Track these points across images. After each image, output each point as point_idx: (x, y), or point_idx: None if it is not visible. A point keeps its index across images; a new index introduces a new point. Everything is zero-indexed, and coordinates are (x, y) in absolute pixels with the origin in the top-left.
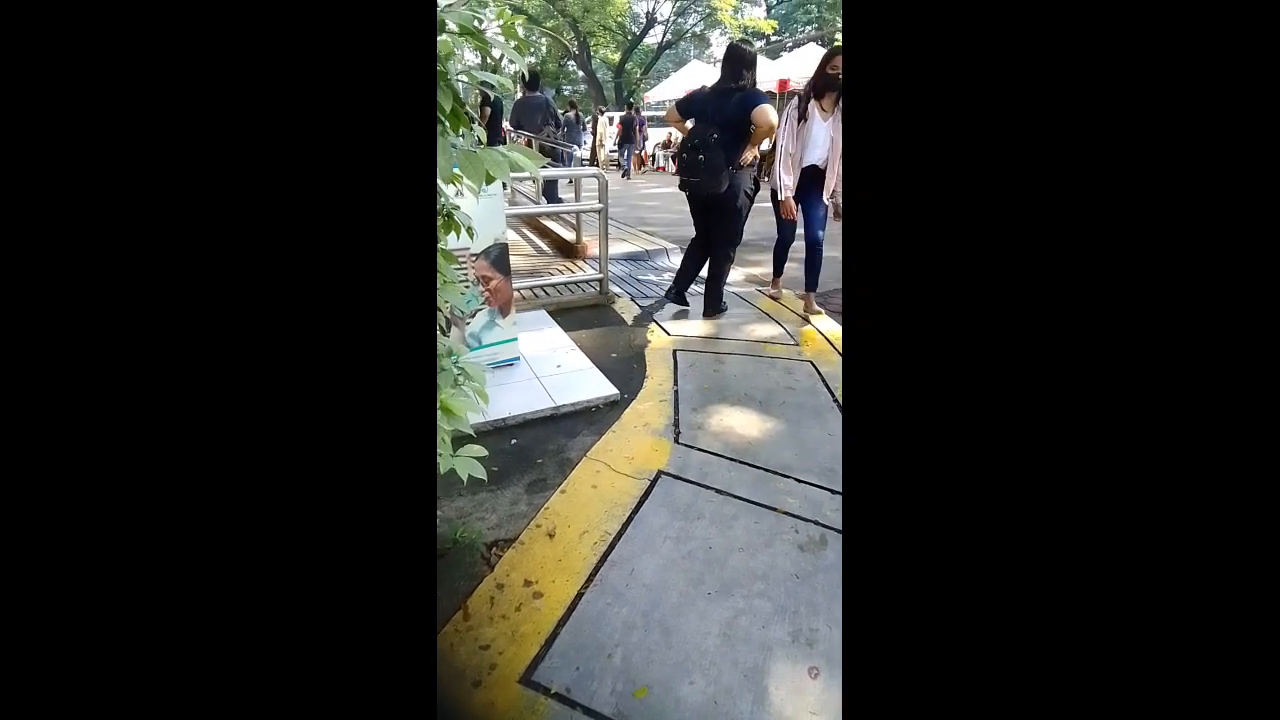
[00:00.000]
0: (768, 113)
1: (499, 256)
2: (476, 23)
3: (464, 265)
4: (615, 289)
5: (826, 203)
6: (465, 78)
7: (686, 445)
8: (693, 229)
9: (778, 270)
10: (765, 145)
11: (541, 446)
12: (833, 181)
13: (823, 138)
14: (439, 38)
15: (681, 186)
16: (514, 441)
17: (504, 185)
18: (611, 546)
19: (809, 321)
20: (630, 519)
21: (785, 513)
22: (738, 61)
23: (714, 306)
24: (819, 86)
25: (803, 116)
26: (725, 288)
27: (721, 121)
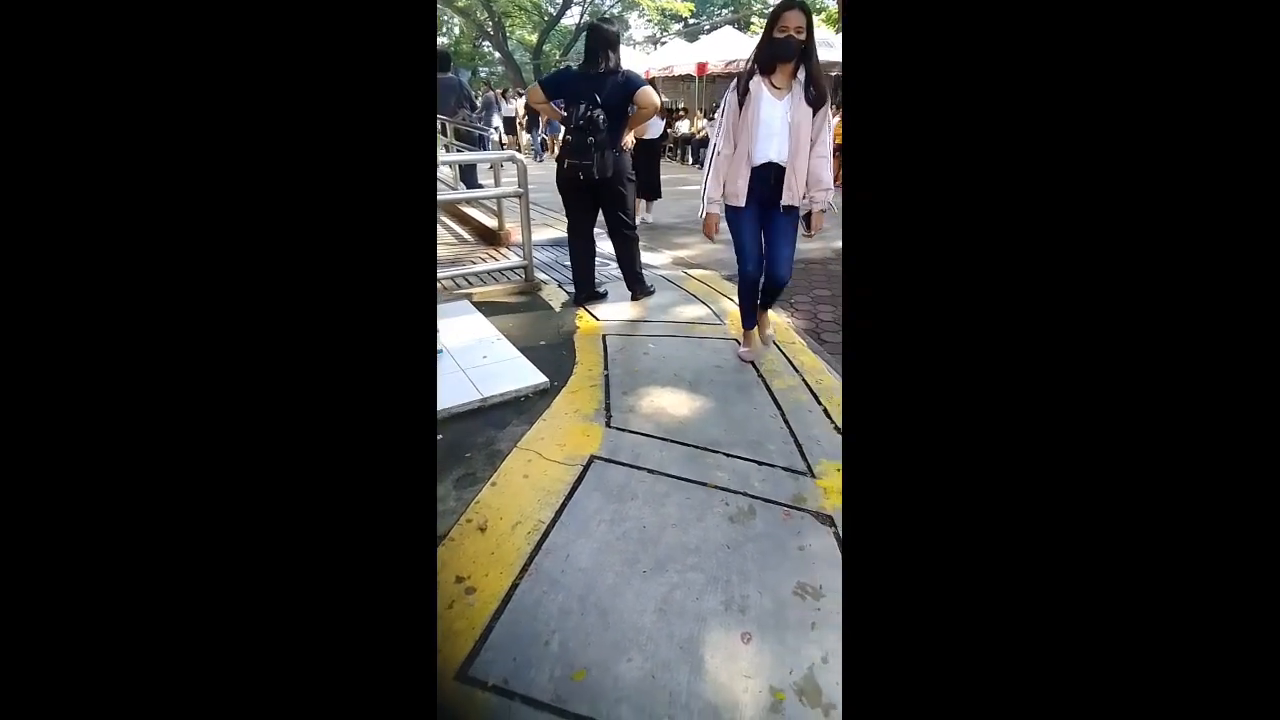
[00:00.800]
0: (650, 95)
1: None
2: None
3: None
4: (542, 275)
5: (797, 210)
6: None
7: (618, 429)
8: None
9: (747, 318)
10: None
11: (470, 440)
12: (799, 181)
13: (778, 124)
14: None
15: (568, 170)
16: (440, 437)
17: None
18: (545, 535)
19: (733, 301)
20: (564, 506)
21: (716, 487)
22: (603, 42)
23: (640, 288)
24: (766, 56)
25: (742, 99)
26: (647, 269)
27: (603, 104)
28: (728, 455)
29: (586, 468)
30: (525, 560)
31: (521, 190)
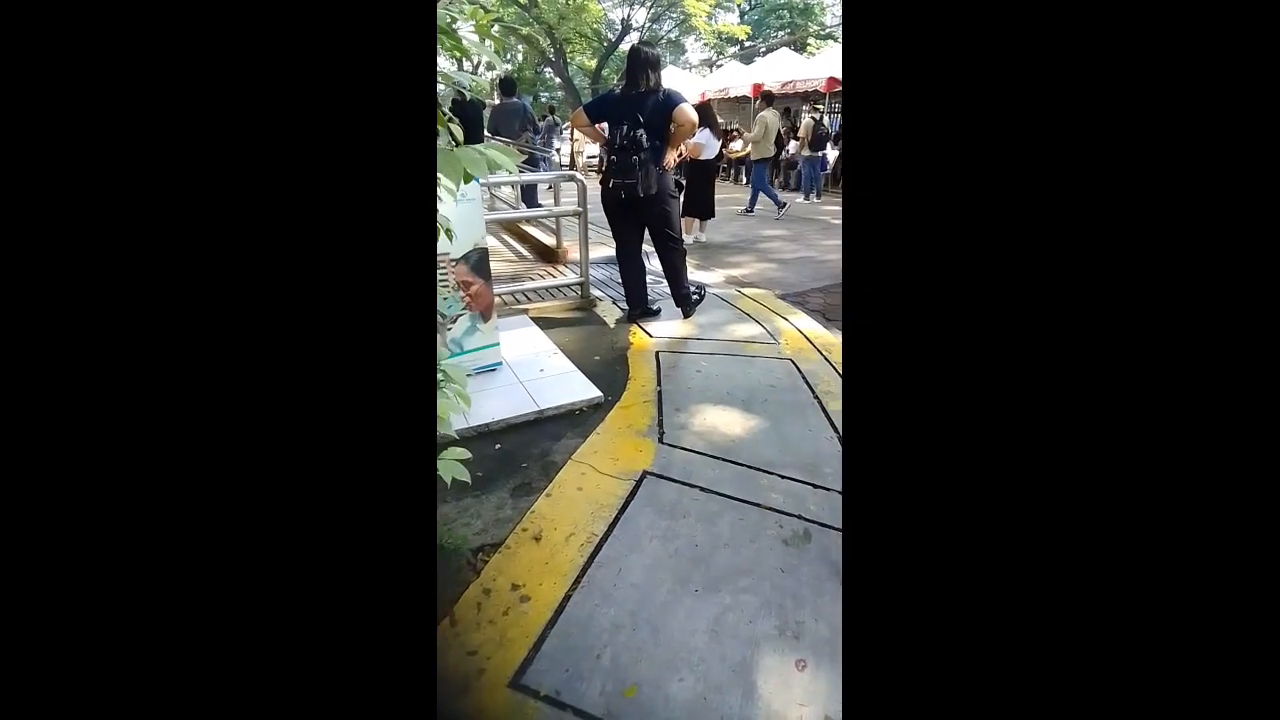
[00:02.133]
0: (688, 112)
1: (479, 261)
2: (450, 22)
3: (444, 270)
4: (597, 292)
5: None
6: (441, 80)
7: (670, 445)
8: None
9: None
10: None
11: (526, 450)
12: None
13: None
14: None
15: (612, 189)
16: (498, 446)
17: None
18: (598, 548)
19: (789, 321)
20: (616, 519)
21: (769, 508)
22: (643, 64)
23: (688, 302)
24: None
25: None
26: (702, 286)
27: (645, 124)
28: (782, 477)
29: (639, 483)
30: (578, 572)
31: (580, 209)
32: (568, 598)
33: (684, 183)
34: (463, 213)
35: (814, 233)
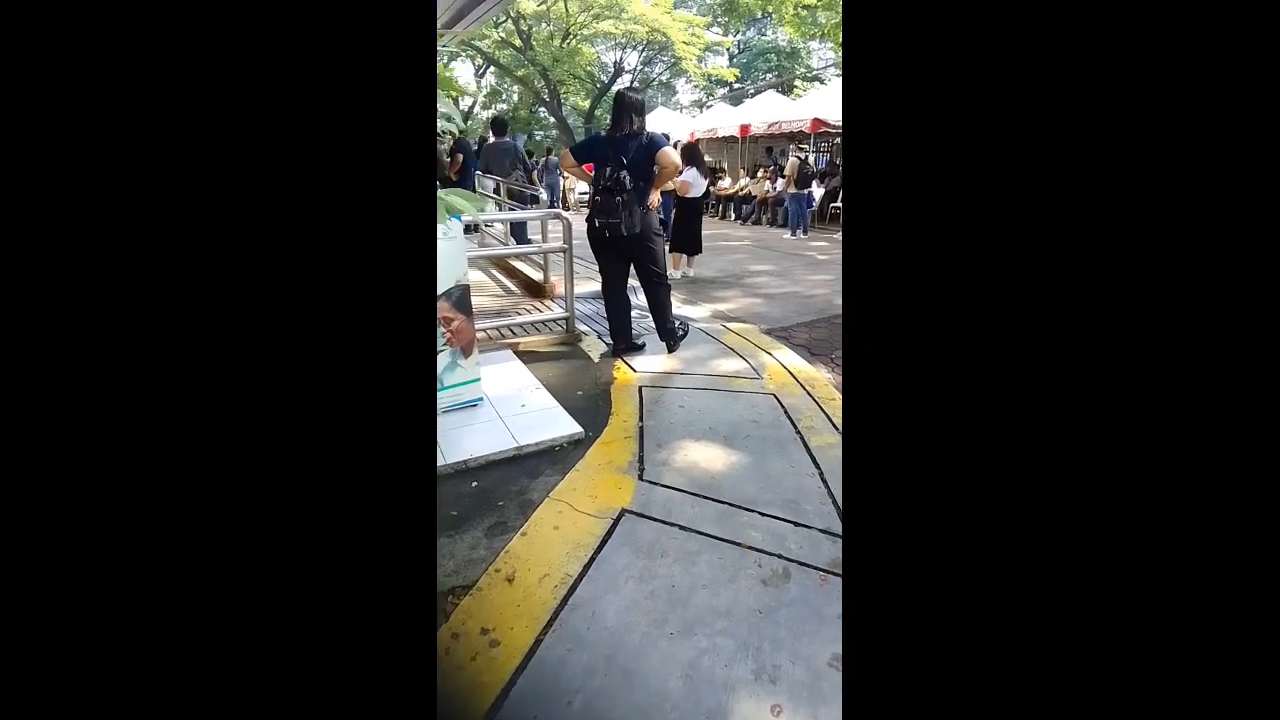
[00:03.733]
0: (670, 155)
1: (460, 298)
2: (446, 63)
3: None
4: (582, 327)
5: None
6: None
7: (651, 482)
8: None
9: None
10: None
11: (503, 488)
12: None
13: None
14: None
15: (598, 229)
16: (475, 484)
17: (474, 228)
18: (572, 589)
19: (773, 355)
20: (592, 559)
21: (749, 547)
22: (628, 108)
23: (673, 337)
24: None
25: None
26: (688, 322)
27: (628, 166)
28: (762, 514)
29: (617, 521)
30: (551, 615)
31: (565, 246)
32: (539, 642)
33: (666, 221)
34: (445, 250)
35: (800, 268)
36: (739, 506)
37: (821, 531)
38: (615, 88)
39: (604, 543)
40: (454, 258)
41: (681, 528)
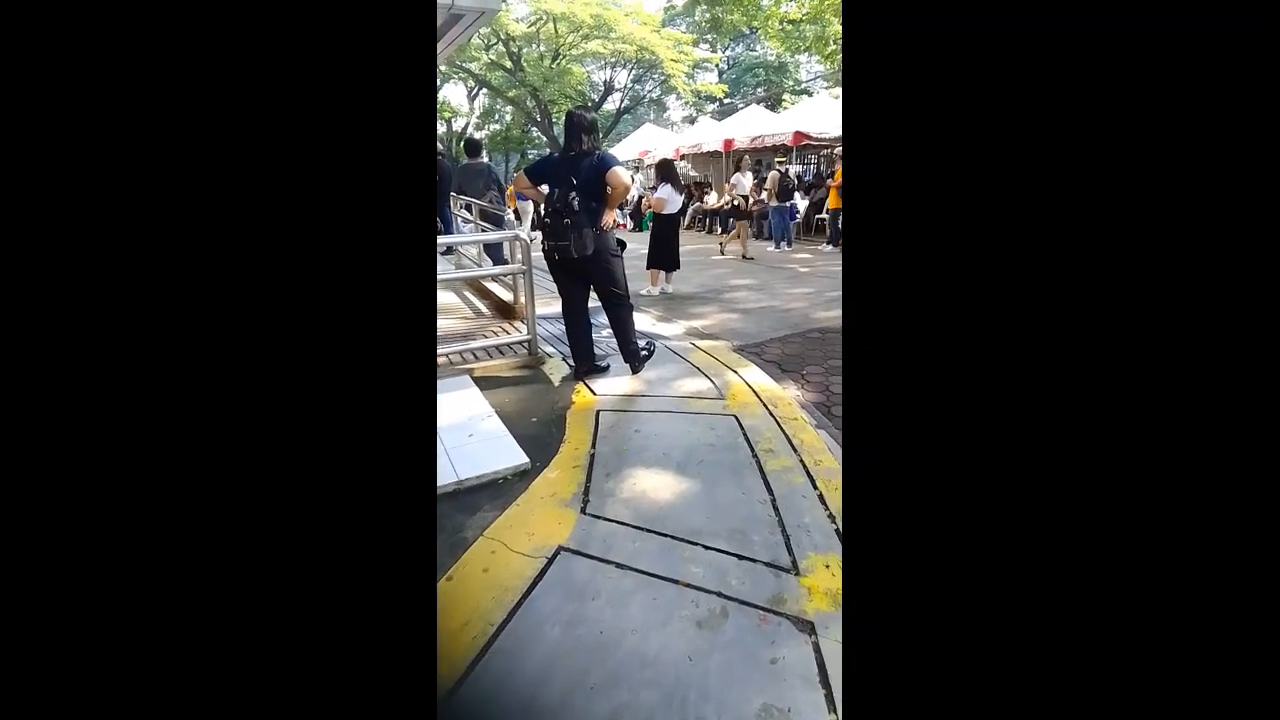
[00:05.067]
0: (620, 175)
1: None
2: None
3: None
4: (548, 349)
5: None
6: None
7: (593, 515)
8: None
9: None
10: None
11: (437, 525)
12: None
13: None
14: None
15: (549, 254)
16: None
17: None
18: (493, 639)
19: (738, 374)
20: (519, 605)
21: (686, 584)
22: (578, 128)
23: (636, 358)
24: None
25: None
26: (655, 341)
27: (580, 186)
28: (706, 548)
29: (551, 561)
30: (467, 667)
31: (525, 267)
32: (451, 694)
33: (625, 242)
34: None
35: (781, 281)
36: (682, 539)
37: (767, 565)
38: (607, 106)
39: (534, 585)
40: None
41: (618, 565)
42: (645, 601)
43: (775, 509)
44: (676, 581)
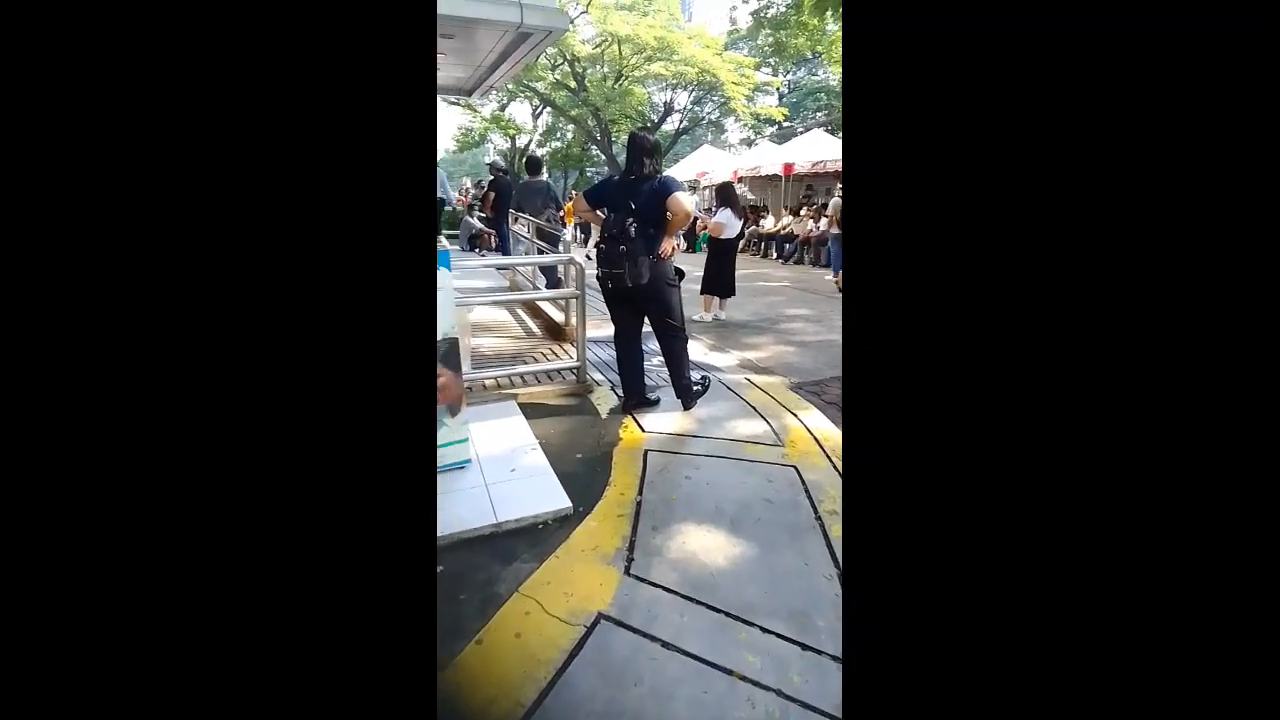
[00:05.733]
0: (681, 200)
1: (448, 353)
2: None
3: None
4: (597, 376)
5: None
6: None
7: (637, 577)
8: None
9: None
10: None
11: (470, 575)
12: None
13: None
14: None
15: (602, 280)
16: (440, 568)
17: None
18: None
19: (798, 417)
20: (551, 684)
21: (741, 677)
22: (640, 149)
23: (689, 394)
24: None
25: None
26: (711, 375)
27: (638, 210)
28: (764, 630)
29: (590, 629)
30: None
31: (578, 292)
32: None
33: (683, 271)
34: None
35: (838, 313)
36: (736, 617)
37: (834, 659)
38: (666, 126)
39: (570, 660)
40: (441, 310)
41: (664, 644)
42: (693, 695)
43: (843, 585)
44: (730, 673)
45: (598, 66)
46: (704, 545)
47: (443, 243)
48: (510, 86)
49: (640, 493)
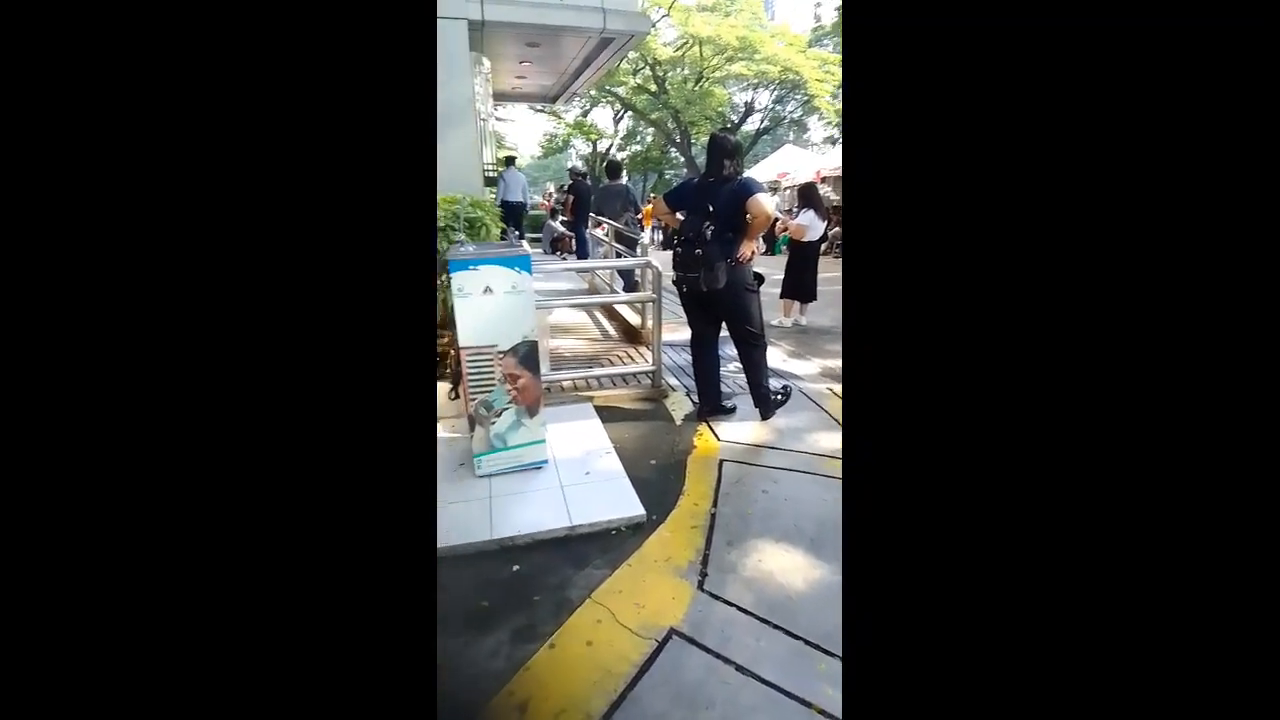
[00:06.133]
0: (762, 203)
1: (528, 354)
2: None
3: (491, 362)
4: (672, 381)
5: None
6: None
7: (711, 594)
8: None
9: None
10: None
11: (544, 577)
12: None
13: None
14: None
15: (677, 284)
16: (515, 568)
17: (584, 276)
18: None
19: None
20: (621, 699)
21: (821, 711)
22: (720, 150)
23: (767, 403)
24: None
25: None
26: (792, 384)
27: (716, 214)
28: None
29: (662, 645)
30: None
31: (654, 296)
32: None
33: (762, 276)
34: (513, 304)
35: None
36: (814, 645)
37: None
38: (746, 126)
39: (640, 675)
40: (522, 312)
41: (738, 668)
42: None
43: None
44: (809, 705)
45: (678, 69)
46: (781, 565)
47: (525, 247)
48: (592, 93)
49: (715, 504)
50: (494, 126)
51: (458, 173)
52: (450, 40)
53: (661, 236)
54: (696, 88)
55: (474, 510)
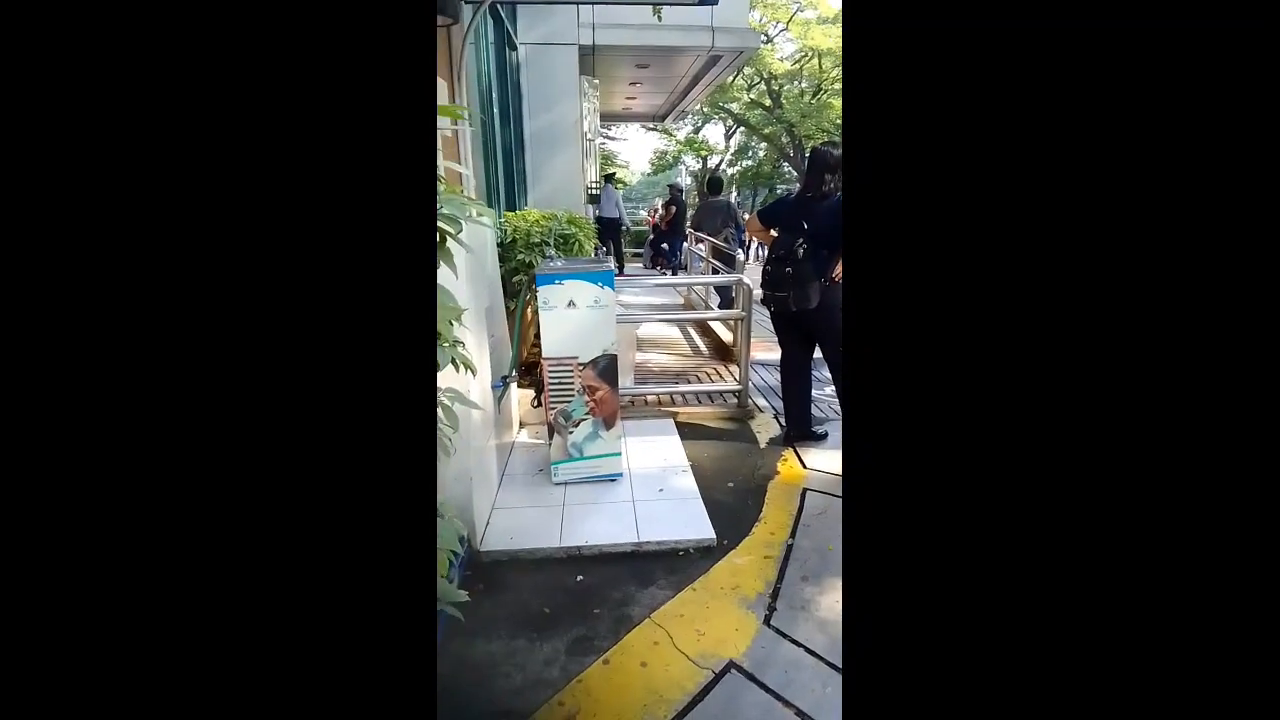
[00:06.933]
0: None
1: (606, 367)
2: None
3: (571, 373)
4: (760, 401)
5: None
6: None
7: (777, 630)
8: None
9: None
10: None
11: (606, 591)
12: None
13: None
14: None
15: (765, 302)
16: (580, 578)
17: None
18: None
19: None
20: None
21: None
22: (821, 164)
23: None
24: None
25: None
26: None
27: (811, 231)
28: None
29: (719, 678)
30: None
31: (744, 313)
32: None
33: None
34: (594, 318)
35: None
36: None
37: None
38: None
39: (692, 705)
40: (603, 326)
41: (799, 713)
42: None
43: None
44: None
45: (795, 83)
46: None
47: (610, 263)
48: (704, 109)
49: (793, 535)
50: (601, 145)
51: (560, 190)
52: (560, 66)
53: (765, 253)
54: (814, 100)
55: (546, 516)
